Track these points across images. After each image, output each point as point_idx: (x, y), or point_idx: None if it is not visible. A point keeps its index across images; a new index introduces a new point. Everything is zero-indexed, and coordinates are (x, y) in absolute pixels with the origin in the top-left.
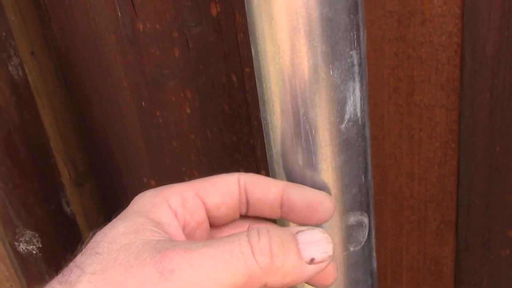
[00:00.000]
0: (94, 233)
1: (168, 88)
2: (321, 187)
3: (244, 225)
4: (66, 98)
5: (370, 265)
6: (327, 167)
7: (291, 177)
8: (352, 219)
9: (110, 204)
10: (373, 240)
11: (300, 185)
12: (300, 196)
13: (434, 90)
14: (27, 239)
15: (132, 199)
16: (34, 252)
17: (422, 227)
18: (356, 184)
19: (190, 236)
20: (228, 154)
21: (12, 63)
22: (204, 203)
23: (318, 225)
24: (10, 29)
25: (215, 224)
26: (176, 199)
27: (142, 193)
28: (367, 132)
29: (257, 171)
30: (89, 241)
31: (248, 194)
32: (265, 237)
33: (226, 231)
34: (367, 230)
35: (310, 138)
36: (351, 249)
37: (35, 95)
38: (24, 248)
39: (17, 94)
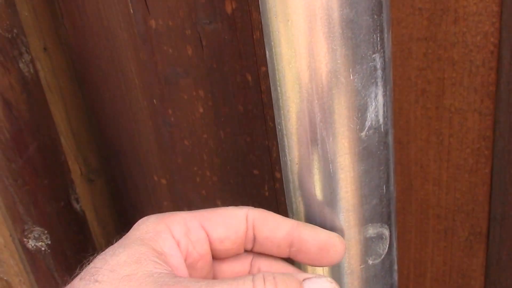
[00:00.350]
0: (94, 257)
1: (181, 86)
2: (338, 197)
3: (247, 258)
4: (78, 94)
5: (391, 279)
6: (345, 177)
7: (305, 187)
8: (372, 231)
9: (121, 201)
10: (395, 253)
11: (311, 225)
12: (311, 237)
13: (466, 93)
14: (36, 235)
15: (143, 197)
16: (42, 248)
17: (449, 238)
18: (376, 195)
19: (191, 267)
20: (241, 155)
21: (23, 60)
22: (208, 235)
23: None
24: (22, 25)
25: (217, 257)
26: (180, 228)
27: (145, 217)
28: (390, 140)
29: (272, 174)
30: (88, 264)
31: (256, 231)
32: (271, 284)
33: (228, 265)
34: (388, 243)
35: (327, 146)
36: (370, 262)
37: (46, 91)
38: (33, 245)
39: (27, 91)
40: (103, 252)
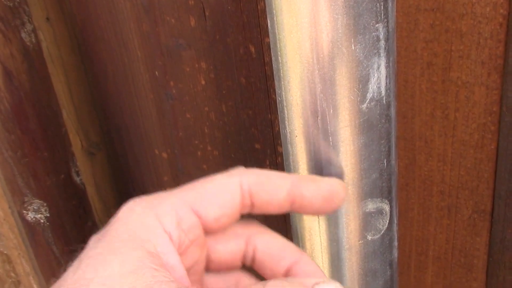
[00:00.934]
0: (78, 259)
1: (183, 58)
2: (337, 171)
3: (243, 236)
4: (80, 66)
5: (390, 255)
6: (345, 150)
7: (304, 160)
8: (371, 206)
9: (121, 175)
10: (395, 229)
11: (311, 176)
12: (314, 192)
13: (473, 66)
14: (35, 208)
15: (144, 171)
16: (41, 221)
17: (453, 216)
18: (376, 169)
19: (183, 254)
20: (243, 129)
21: (25, 30)
22: (200, 218)
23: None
24: None
25: (212, 233)
26: (171, 219)
27: (130, 204)
28: (392, 113)
29: (274, 148)
30: (77, 254)
31: (254, 198)
32: None
33: (223, 245)
34: (388, 218)
35: (328, 118)
36: (369, 237)
37: (48, 63)
38: (32, 217)
39: (29, 61)
40: (91, 252)
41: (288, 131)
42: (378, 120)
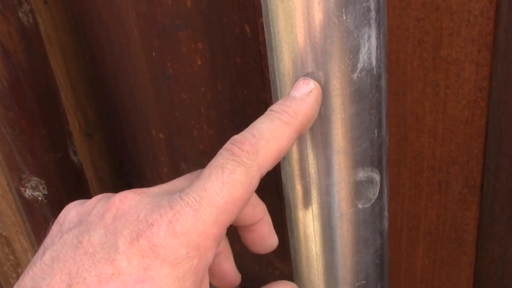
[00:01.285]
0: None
1: (179, 38)
2: (329, 139)
3: None
4: (78, 47)
5: (381, 225)
6: (336, 118)
7: None
8: (362, 174)
9: (119, 156)
10: (386, 199)
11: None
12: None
13: (464, 44)
14: (33, 185)
15: (141, 152)
16: (39, 198)
17: (443, 191)
18: (367, 138)
19: None
20: (239, 108)
21: (23, 10)
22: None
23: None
24: None
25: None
26: (212, 257)
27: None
28: (383, 83)
29: None
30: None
31: None
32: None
33: None
34: (378, 188)
35: (319, 87)
36: (360, 206)
37: (46, 45)
38: (29, 194)
39: (26, 41)
40: None
41: None
42: (368, 90)
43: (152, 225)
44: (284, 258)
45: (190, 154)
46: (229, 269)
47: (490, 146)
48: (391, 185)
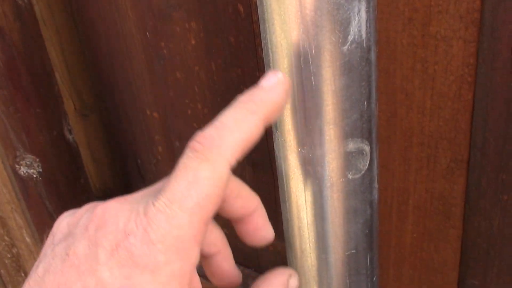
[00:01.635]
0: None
1: (174, 19)
2: (320, 110)
3: None
4: (73, 29)
5: (370, 195)
6: (327, 90)
7: (288, 100)
8: (352, 145)
9: (114, 136)
10: (375, 171)
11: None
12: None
13: (452, 21)
14: (27, 163)
15: (136, 131)
16: (34, 176)
17: (432, 166)
18: (357, 110)
19: None
20: (232, 87)
21: None
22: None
23: None
24: None
25: None
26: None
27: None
28: (373, 56)
29: None
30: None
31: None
32: None
33: None
34: (368, 159)
35: (310, 58)
36: (350, 176)
37: (41, 26)
38: (24, 172)
39: (21, 21)
40: None
41: None
42: (358, 63)
43: (129, 235)
44: (278, 235)
45: (185, 133)
46: (229, 269)
47: (477, 121)
48: (382, 162)
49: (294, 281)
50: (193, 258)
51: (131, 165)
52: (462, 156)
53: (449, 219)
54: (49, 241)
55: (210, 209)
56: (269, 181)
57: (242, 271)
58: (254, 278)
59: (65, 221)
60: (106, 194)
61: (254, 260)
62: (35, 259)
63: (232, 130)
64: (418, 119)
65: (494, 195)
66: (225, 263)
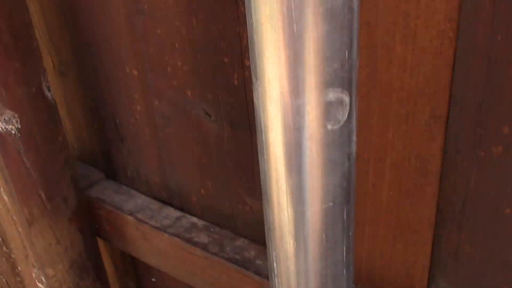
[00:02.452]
0: None
1: None
2: (301, 58)
3: None
4: None
5: (349, 147)
6: (309, 37)
7: (269, 48)
8: (332, 95)
9: (91, 95)
10: (354, 122)
11: None
12: None
13: None
14: (6, 118)
15: (115, 90)
16: (13, 132)
17: (410, 122)
18: (338, 58)
19: None
20: (212, 42)
21: None
22: None
23: None
24: None
25: None
26: None
27: None
28: (355, 5)
29: (242, 61)
30: None
31: None
32: None
33: None
34: (348, 110)
35: (292, 5)
36: (329, 127)
37: None
38: (3, 128)
39: None
40: None
41: (254, 19)
42: (341, 10)
43: None
44: (254, 194)
45: (164, 91)
46: None
47: (458, 77)
48: (360, 118)
49: None
50: None
51: (109, 124)
52: (441, 112)
53: (426, 177)
54: None
55: None
56: (247, 140)
57: (218, 232)
58: (230, 239)
59: None
60: (83, 153)
61: (231, 220)
62: (12, 218)
63: None
64: (398, 75)
65: (471, 151)
66: None
